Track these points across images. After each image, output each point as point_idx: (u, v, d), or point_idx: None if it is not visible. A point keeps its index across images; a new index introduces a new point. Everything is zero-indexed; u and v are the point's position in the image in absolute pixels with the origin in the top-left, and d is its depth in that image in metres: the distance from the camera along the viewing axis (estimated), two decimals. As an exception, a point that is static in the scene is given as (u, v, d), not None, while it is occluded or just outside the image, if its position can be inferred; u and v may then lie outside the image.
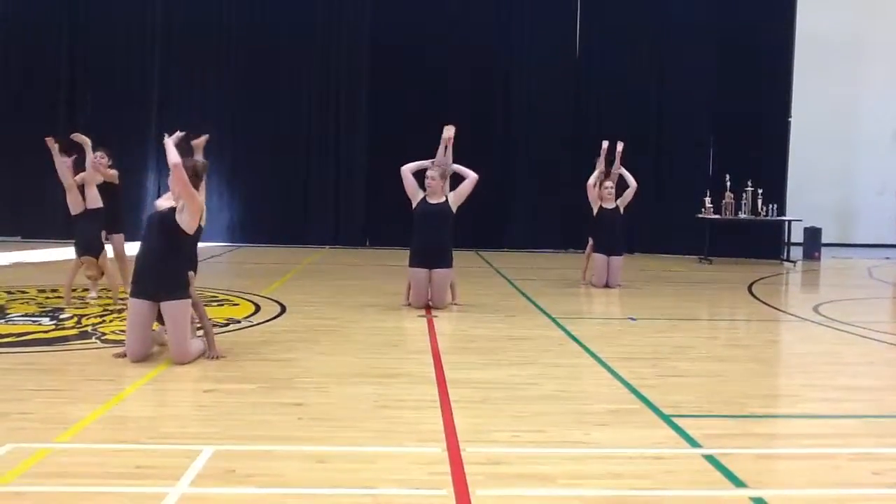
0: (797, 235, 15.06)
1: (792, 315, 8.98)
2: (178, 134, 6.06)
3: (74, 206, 8.18)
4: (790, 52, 15.03)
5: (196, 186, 5.74)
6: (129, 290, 5.95)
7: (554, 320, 7.88)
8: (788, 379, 6.17)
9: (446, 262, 8.35)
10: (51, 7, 15.83)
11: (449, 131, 8.78)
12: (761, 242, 14.88)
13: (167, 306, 5.60)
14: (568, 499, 3.45)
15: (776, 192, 14.66)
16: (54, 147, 8.27)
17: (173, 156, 5.62)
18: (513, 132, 16.11)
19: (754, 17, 15.10)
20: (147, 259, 5.66)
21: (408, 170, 8.43)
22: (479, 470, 3.71)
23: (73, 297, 8.17)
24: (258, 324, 7.37)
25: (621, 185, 10.61)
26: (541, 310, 8.52)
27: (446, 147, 8.75)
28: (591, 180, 10.44)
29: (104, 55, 15.67)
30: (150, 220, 5.80)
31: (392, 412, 4.64)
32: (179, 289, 5.68)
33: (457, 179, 8.61)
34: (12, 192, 15.58)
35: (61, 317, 7.36)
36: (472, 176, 8.47)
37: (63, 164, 8.21)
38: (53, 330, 6.78)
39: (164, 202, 5.85)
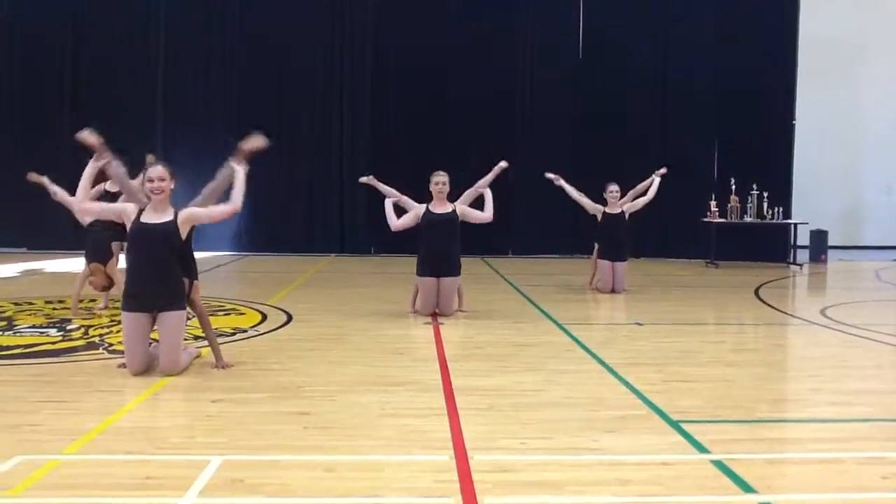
0: (803, 238, 15.02)
1: (799, 318, 8.96)
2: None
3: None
4: (794, 54, 15.01)
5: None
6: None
7: (560, 326, 7.87)
8: (796, 383, 6.14)
9: (455, 271, 8.34)
10: (54, 13, 15.87)
11: (504, 164, 8.96)
12: (767, 246, 14.84)
13: (167, 317, 5.58)
14: (576, 506, 3.45)
15: (782, 194, 14.63)
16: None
17: (241, 198, 5.77)
18: (517, 137, 16.09)
19: (757, 20, 15.10)
20: (148, 271, 5.61)
21: (395, 220, 8.41)
22: (486, 478, 3.70)
23: (80, 308, 8.20)
24: (265, 333, 7.38)
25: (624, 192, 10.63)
26: (547, 316, 8.51)
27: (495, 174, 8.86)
28: (573, 195, 10.55)
29: (108, 58, 15.65)
30: (144, 235, 5.58)
31: (399, 420, 4.64)
32: (180, 299, 5.69)
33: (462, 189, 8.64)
34: (19, 204, 15.64)
35: (68, 328, 7.38)
36: (487, 215, 8.47)
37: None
38: (61, 341, 6.80)
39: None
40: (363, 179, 9.27)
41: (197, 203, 6.06)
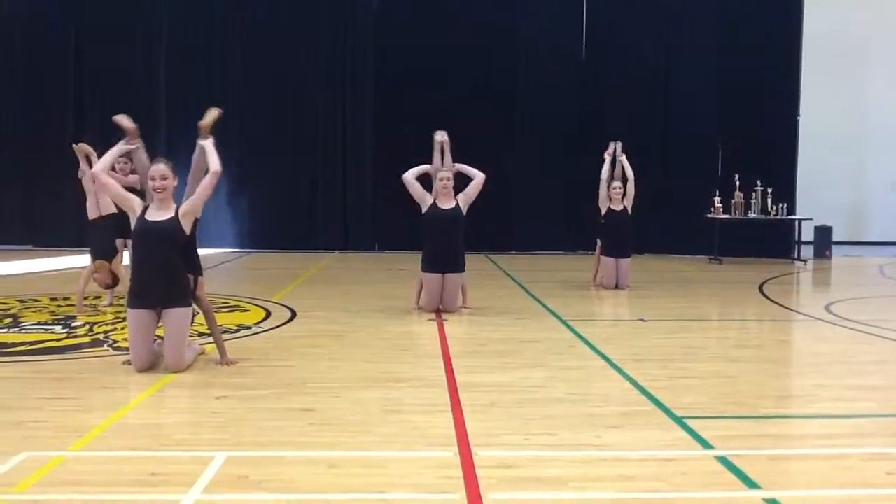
0: (808, 234, 14.99)
1: (803, 314, 8.95)
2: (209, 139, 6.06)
3: (91, 210, 8.30)
4: (797, 50, 14.99)
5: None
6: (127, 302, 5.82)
7: (564, 322, 7.87)
8: (801, 379, 6.14)
9: (459, 267, 8.35)
10: (56, 12, 15.88)
11: (441, 135, 8.78)
12: (771, 242, 14.82)
13: (172, 313, 5.59)
14: (580, 502, 3.45)
15: (786, 190, 14.60)
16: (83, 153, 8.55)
17: (218, 162, 5.80)
18: (520, 133, 16.08)
19: (760, 16, 15.07)
20: (153, 269, 5.60)
21: (411, 176, 8.37)
22: (490, 473, 3.71)
23: (85, 305, 8.22)
24: (269, 329, 7.39)
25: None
26: (551, 312, 8.51)
27: (443, 151, 8.75)
28: (604, 174, 10.41)
29: (111, 58, 15.66)
30: (148, 232, 5.59)
31: (403, 416, 4.65)
32: (185, 295, 5.70)
33: (461, 180, 8.60)
34: (24, 202, 15.68)
35: (73, 325, 7.40)
36: (479, 176, 8.46)
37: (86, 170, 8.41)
38: (66, 338, 6.82)
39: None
40: (438, 135, 8.78)
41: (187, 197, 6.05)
